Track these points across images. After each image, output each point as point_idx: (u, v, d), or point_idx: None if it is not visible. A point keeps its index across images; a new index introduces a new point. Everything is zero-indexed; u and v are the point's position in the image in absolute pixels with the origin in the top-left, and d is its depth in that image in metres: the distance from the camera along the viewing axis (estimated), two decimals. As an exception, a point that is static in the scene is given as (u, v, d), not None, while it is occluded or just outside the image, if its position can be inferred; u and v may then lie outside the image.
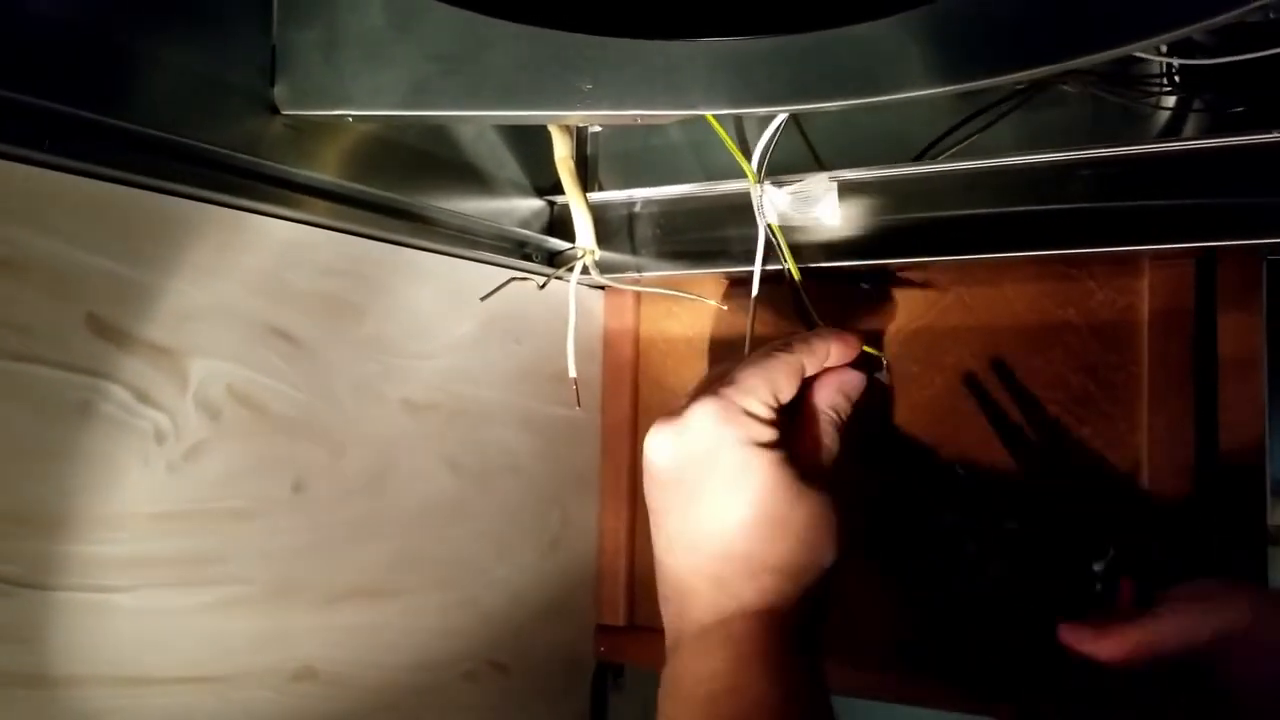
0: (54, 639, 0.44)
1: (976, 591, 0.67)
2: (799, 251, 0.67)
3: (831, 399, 0.59)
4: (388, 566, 0.62)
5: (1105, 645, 0.54)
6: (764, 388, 0.55)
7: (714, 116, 0.64)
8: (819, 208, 0.64)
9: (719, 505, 0.53)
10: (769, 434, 0.54)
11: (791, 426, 0.57)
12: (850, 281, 0.73)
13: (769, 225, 0.65)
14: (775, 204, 0.65)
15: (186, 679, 0.50)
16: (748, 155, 0.65)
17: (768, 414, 0.54)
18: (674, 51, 0.48)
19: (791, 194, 0.65)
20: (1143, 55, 0.62)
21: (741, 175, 0.75)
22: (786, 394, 0.56)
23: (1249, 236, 0.57)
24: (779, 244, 0.65)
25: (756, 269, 0.65)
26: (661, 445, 0.55)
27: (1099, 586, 0.56)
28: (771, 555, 0.53)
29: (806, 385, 0.58)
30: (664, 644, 0.56)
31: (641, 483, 0.57)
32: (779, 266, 0.66)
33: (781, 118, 0.63)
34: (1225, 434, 0.64)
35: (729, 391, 0.54)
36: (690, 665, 0.53)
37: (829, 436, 0.58)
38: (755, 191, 0.64)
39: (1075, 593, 0.58)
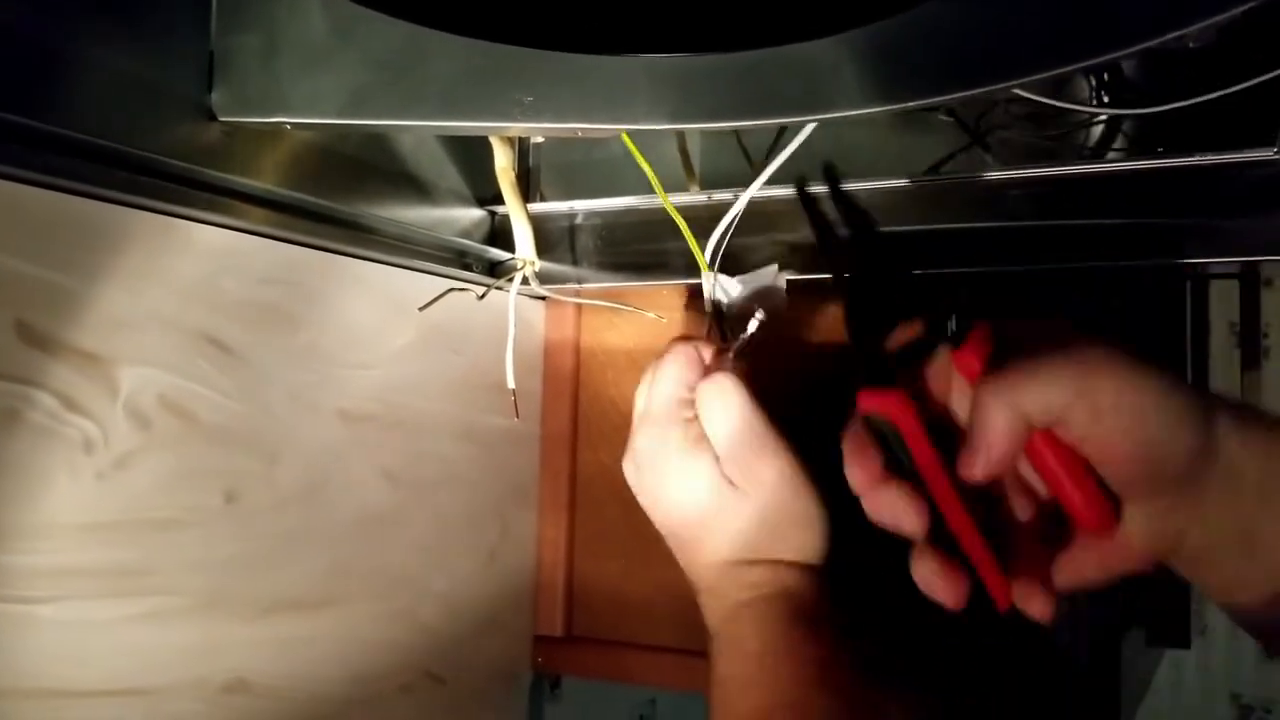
0: (-25, 651, 0.43)
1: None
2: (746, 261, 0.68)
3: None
4: (322, 578, 0.62)
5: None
6: (673, 388, 0.58)
7: (672, 205, 0.67)
8: (767, 298, 0.66)
9: (676, 513, 0.57)
10: (692, 431, 0.56)
11: None
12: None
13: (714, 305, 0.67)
14: (726, 289, 0.67)
15: (113, 691, 0.49)
16: (703, 239, 0.67)
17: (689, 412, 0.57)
18: (615, 66, 0.49)
19: (741, 283, 0.66)
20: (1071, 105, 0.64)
21: (684, 185, 0.76)
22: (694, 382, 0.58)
23: (1174, 256, 0.59)
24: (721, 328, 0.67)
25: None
26: (629, 477, 0.59)
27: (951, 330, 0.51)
28: (738, 547, 0.55)
29: None
30: (603, 655, 0.58)
31: (579, 493, 0.58)
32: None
33: (737, 209, 0.65)
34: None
35: (650, 407, 0.58)
36: (716, 664, 0.55)
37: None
38: (707, 279, 0.66)
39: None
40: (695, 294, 0.78)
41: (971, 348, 0.46)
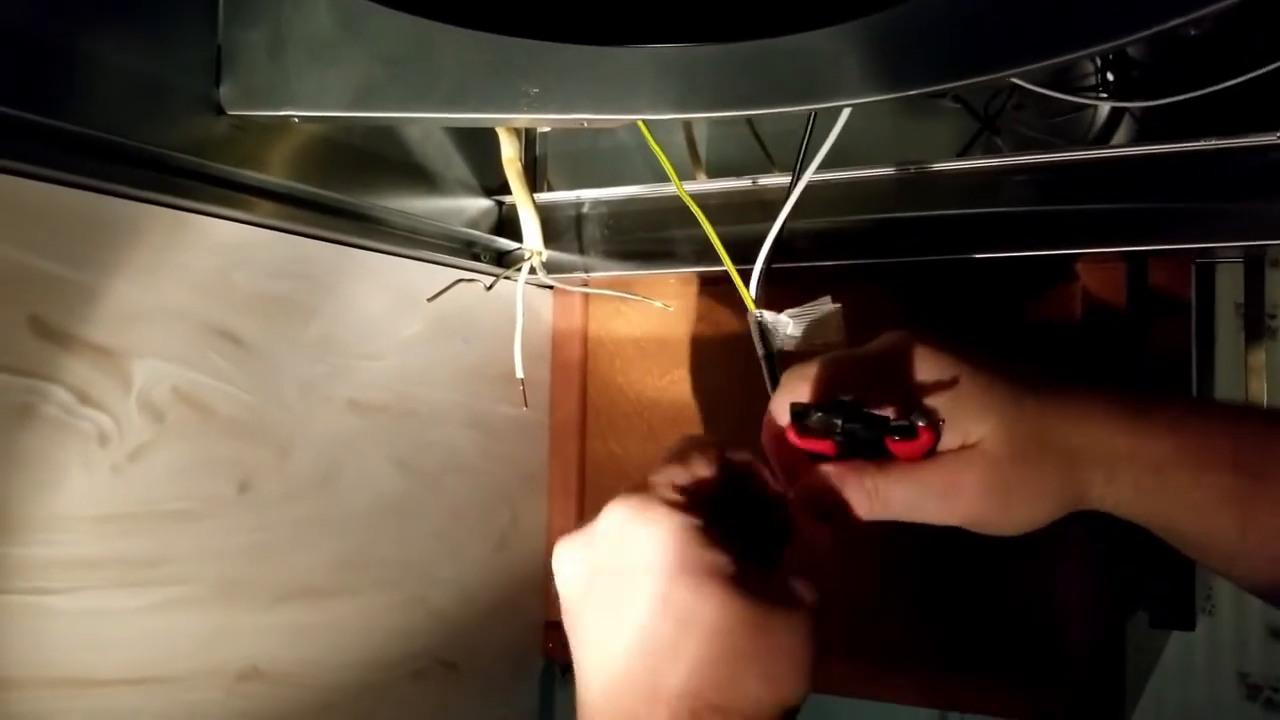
0: (-6, 642, 0.44)
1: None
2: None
3: (812, 485, 0.49)
4: (335, 566, 0.62)
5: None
6: (678, 473, 0.47)
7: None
8: (824, 332, 0.58)
9: (641, 627, 0.42)
10: (706, 540, 0.43)
11: (753, 527, 0.49)
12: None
13: (769, 354, 0.58)
14: (777, 328, 0.59)
15: (130, 680, 0.50)
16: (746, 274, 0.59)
17: (689, 507, 0.45)
18: (620, 57, 0.49)
19: (793, 319, 0.58)
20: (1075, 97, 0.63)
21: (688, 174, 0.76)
22: (702, 470, 0.48)
23: (1178, 240, 0.59)
24: (772, 371, 0.59)
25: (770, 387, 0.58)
26: (568, 560, 0.47)
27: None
28: (715, 692, 0.41)
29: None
30: None
31: (587, 481, 0.56)
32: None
33: (777, 227, 0.58)
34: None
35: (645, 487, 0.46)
36: None
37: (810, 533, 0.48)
38: (754, 318, 0.58)
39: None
40: (703, 282, 0.79)
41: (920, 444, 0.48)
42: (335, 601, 0.62)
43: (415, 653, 0.69)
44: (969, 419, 0.48)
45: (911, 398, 0.49)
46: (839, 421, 0.47)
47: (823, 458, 0.50)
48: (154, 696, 0.51)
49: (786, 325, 0.58)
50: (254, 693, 0.56)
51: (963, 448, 0.48)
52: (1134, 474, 0.47)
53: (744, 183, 0.70)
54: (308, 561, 0.60)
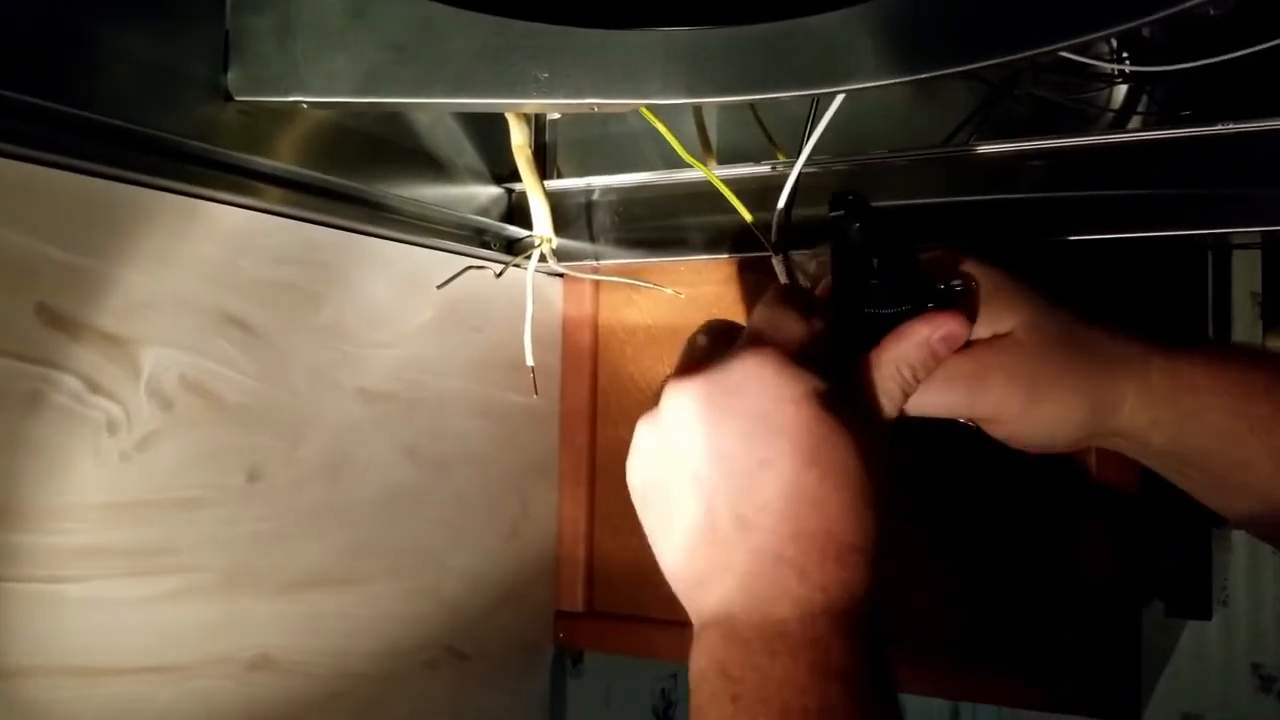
0: (3, 630, 0.44)
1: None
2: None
3: (907, 353, 0.48)
4: (345, 555, 0.62)
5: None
6: (799, 327, 0.47)
7: (721, 181, 0.62)
8: None
9: (782, 471, 0.43)
10: (831, 386, 0.45)
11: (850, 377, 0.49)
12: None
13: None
14: (801, 268, 0.60)
15: (141, 669, 0.50)
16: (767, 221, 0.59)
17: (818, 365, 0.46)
18: (630, 41, 0.48)
19: (816, 255, 0.60)
20: (1094, 60, 0.63)
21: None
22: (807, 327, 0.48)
23: (1195, 226, 0.59)
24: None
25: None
26: (691, 398, 0.45)
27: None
28: (853, 531, 0.43)
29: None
30: (624, 630, 0.54)
31: (598, 470, 0.56)
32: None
33: (794, 177, 0.58)
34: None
35: (768, 337, 0.46)
36: (759, 663, 0.43)
37: (889, 396, 0.48)
38: (778, 262, 0.59)
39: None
40: (715, 270, 0.78)
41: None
42: (346, 590, 0.62)
43: (426, 642, 0.69)
44: (1002, 310, 0.49)
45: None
46: (875, 261, 0.48)
47: None
48: (165, 685, 0.51)
49: (810, 263, 0.59)
50: (265, 681, 0.56)
51: (994, 338, 0.49)
52: (1171, 394, 0.48)
53: (760, 169, 0.69)
54: (318, 550, 0.60)
